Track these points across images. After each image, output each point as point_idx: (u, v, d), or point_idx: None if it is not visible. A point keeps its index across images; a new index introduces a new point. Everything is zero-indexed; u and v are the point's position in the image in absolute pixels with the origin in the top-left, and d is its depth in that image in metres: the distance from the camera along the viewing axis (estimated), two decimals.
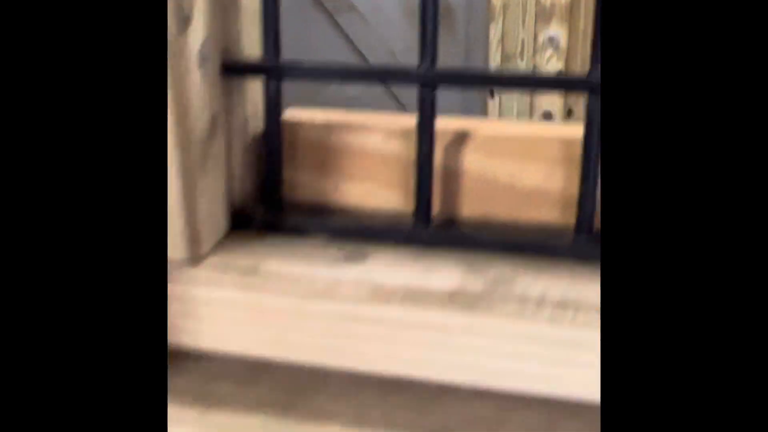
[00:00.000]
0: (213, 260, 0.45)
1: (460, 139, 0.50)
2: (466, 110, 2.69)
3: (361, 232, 0.49)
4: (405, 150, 0.51)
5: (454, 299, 0.42)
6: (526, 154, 0.49)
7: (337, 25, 2.75)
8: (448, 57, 2.73)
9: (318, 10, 2.75)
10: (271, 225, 0.49)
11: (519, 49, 2.60)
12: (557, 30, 2.53)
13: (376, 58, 2.75)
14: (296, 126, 0.52)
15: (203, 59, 0.43)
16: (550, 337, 0.40)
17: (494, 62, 2.59)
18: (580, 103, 2.59)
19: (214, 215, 0.46)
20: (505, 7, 2.60)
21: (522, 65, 2.58)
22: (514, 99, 2.64)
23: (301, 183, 0.53)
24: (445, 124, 0.51)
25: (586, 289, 0.43)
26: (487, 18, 2.58)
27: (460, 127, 0.51)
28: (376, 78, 0.47)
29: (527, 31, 2.59)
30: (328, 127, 0.52)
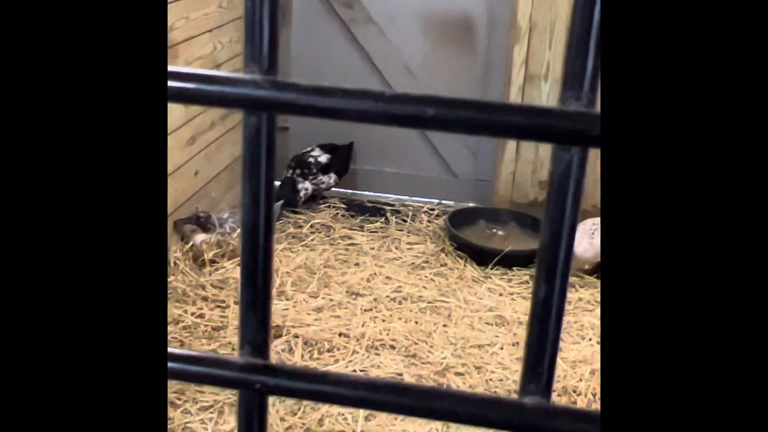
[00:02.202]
0: None
1: None
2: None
3: None
4: None
5: None
6: None
7: (352, 37, 2.70)
8: (465, 75, 2.66)
9: (333, 20, 2.70)
10: None
11: (544, 70, 2.56)
12: None
13: (390, 71, 2.68)
14: None
15: None
16: None
17: (516, 83, 2.55)
18: None
19: None
20: (531, 28, 2.57)
21: (546, 88, 2.54)
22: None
23: None
24: None
25: None
26: (511, 38, 2.54)
27: None
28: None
29: (554, 54, 2.55)
30: None
